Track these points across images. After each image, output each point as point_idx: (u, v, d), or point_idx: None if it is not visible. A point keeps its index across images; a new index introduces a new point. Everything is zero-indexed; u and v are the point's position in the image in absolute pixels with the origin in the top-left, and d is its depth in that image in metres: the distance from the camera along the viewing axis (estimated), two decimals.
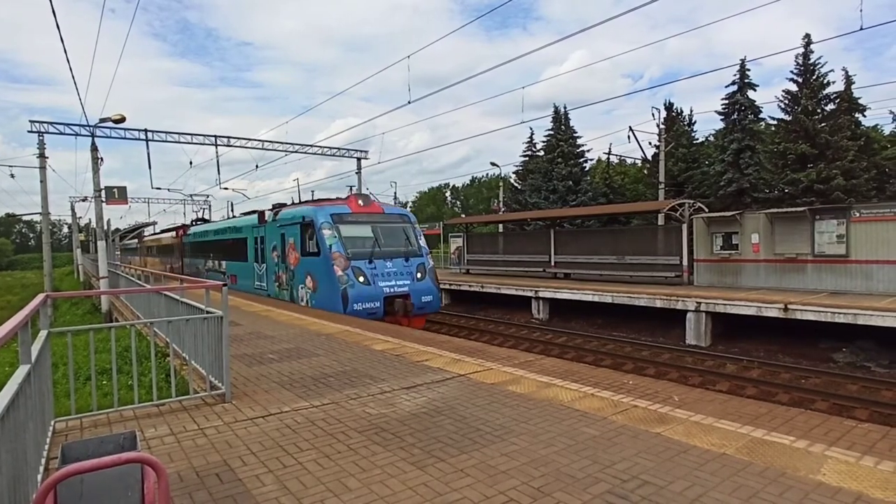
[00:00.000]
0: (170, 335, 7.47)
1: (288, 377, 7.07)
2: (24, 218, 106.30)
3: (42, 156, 23.63)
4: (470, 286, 24.03)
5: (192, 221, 34.36)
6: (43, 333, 4.95)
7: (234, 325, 11.33)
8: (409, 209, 30.67)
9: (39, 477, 3.78)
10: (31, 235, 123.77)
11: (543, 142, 47.00)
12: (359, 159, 31.07)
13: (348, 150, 30.99)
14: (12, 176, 32.88)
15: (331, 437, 4.82)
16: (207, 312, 6.43)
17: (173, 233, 35.01)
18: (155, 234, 47.20)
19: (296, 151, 29.55)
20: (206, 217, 36.19)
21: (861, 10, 11.94)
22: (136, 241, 53.73)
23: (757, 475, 3.82)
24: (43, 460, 4.16)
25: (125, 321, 13.64)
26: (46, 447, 4.48)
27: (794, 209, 16.96)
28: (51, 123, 22.44)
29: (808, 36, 29.63)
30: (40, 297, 5.11)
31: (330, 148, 31.07)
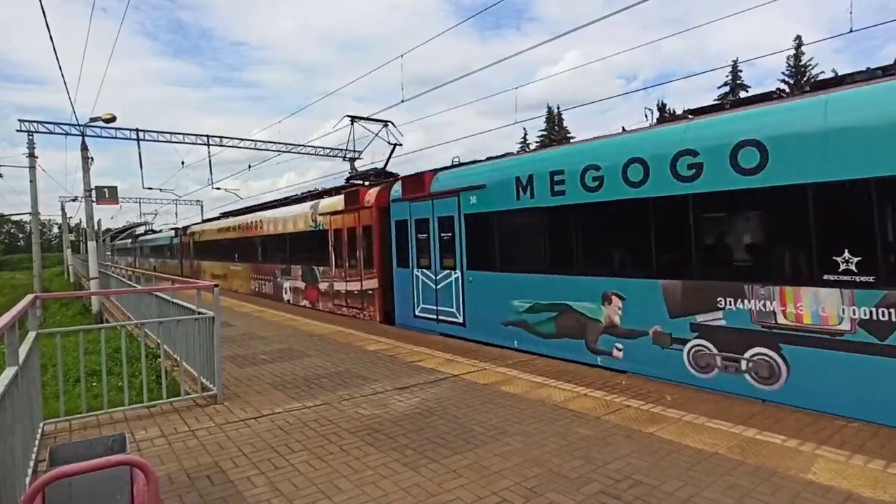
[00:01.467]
0: (161, 336, 7.42)
1: (280, 378, 7.03)
2: (14, 218, 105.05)
3: (32, 155, 23.42)
4: None
5: (372, 175, 14.66)
6: (31, 335, 4.90)
7: (227, 326, 11.27)
8: None
9: (27, 480, 3.74)
10: (21, 236, 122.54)
11: (537, 142, 47.20)
12: (352, 160, 31.00)
13: (341, 150, 30.91)
14: (0, 175, 32.51)
15: (323, 439, 4.79)
16: (199, 313, 6.39)
17: (304, 210, 15.80)
18: (217, 218, 27.20)
19: (288, 151, 29.44)
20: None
21: (851, 13, 12.08)
22: (170, 235, 33.76)
23: (749, 474, 3.84)
24: (31, 463, 4.11)
25: (116, 322, 13.53)
26: (35, 450, 4.43)
27: None
28: (40, 123, 22.25)
29: (798, 37, 29.98)
30: (29, 297, 5.06)
31: (323, 148, 30.97)
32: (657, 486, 3.69)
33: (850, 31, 11.14)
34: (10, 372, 3.53)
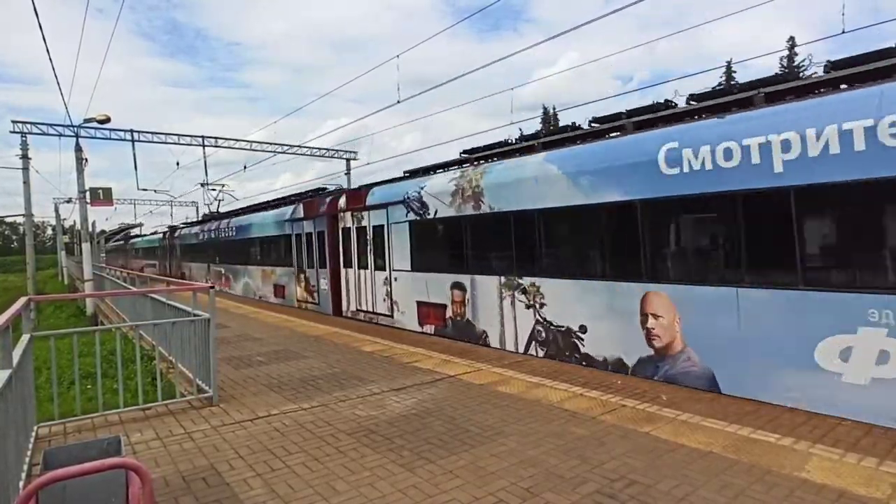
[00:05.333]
0: (156, 338, 7.39)
1: (276, 379, 7.02)
2: (7, 219, 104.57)
3: (25, 157, 23.27)
4: None
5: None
6: (25, 337, 4.88)
7: (222, 328, 11.23)
8: None
9: (21, 483, 3.72)
10: (14, 238, 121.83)
11: None
12: (348, 160, 30.98)
13: (337, 150, 30.87)
14: None
15: (319, 440, 4.79)
16: (194, 315, 6.37)
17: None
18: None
19: (283, 152, 29.37)
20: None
21: (843, 14, 12.18)
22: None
23: (743, 473, 3.86)
24: (25, 466, 4.09)
25: (110, 324, 13.47)
26: (29, 453, 4.42)
27: None
28: (34, 124, 22.11)
29: (792, 38, 30.13)
30: (22, 300, 5.04)
31: (318, 149, 30.92)
32: (653, 486, 3.71)
33: (843, 31, 11.21)
34: (3, 375, 3.51)
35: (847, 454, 4.13)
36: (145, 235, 46.91)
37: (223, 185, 28.86)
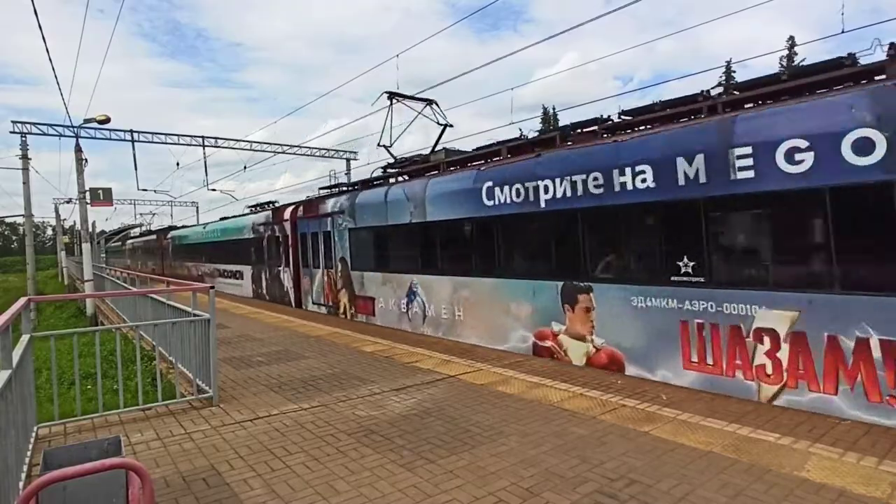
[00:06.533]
0: (156, 338, 7.39)
1: (276, 380, 7.02)
2: (7, 220, 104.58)
3: (25, 157, 23.27)
4: None
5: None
6: (25, 338, 4.88)
7: (222, 328, 11.24)
8: None
9: (21, 484, 3.72)
10: (14, 238, 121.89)
11: None
12: (348, 160, 30.99)
13: (337, 150, 30.88)
14: None
15: (319, 440, 4.79)
16: (194, 315, 6.38)
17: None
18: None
19: (283, 152, 29.39)
20: None
21: (842, 14, 12.21)
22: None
23: (743, 472, 3.86)
24: (25, 467, 4.09)
25: (111, 325, 13.46)
26: (29, 453, 4.42)
27: None
28: (34, 124, 22.13)
29: (791, 38, 30.16)
30: (22, 300, 5.04)
31: (318, 149, 30.93)
32: (652, 485, 3.71)
33: (843, 31, 11.24)
34: (3, 375, 3.51)
35: (846, 453, 4.14)
36: (205, 224, 27.61)
37: (433, 100, 13.31)
